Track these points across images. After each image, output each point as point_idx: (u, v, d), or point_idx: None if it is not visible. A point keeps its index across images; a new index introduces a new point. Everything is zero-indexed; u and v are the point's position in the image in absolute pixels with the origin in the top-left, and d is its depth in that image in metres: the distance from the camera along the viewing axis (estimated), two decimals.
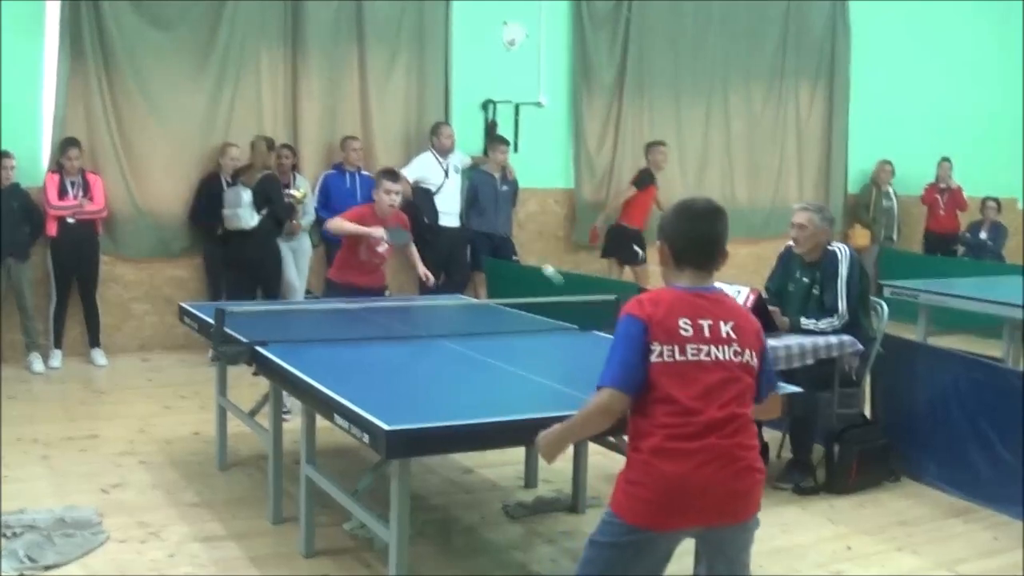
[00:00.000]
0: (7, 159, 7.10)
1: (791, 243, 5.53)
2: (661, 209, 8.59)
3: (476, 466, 5.26)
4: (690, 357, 2.52)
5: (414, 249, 6.42)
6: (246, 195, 7.61)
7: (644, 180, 9.11)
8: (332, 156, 8.47)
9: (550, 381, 3.90)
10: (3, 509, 4.29)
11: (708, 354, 2.53)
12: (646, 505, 2.52)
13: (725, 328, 2.57)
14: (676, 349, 2.52)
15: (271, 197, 7.68)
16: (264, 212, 7.66)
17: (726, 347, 2.56)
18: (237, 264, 7.77)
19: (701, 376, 2.52)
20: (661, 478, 2.50)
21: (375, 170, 8.52)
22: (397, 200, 6.08)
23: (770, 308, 5.12)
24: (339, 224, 6.03)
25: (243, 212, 7.58)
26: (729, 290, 5.12)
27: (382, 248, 6.00)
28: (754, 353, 2.61)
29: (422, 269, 6.32)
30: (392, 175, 6.23)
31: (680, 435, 2.49)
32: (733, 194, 10.46)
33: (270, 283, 7.80)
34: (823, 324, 5.10)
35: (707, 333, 2.55)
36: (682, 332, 2.53)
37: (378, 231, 5.91)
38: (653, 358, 2.52)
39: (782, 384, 3.99)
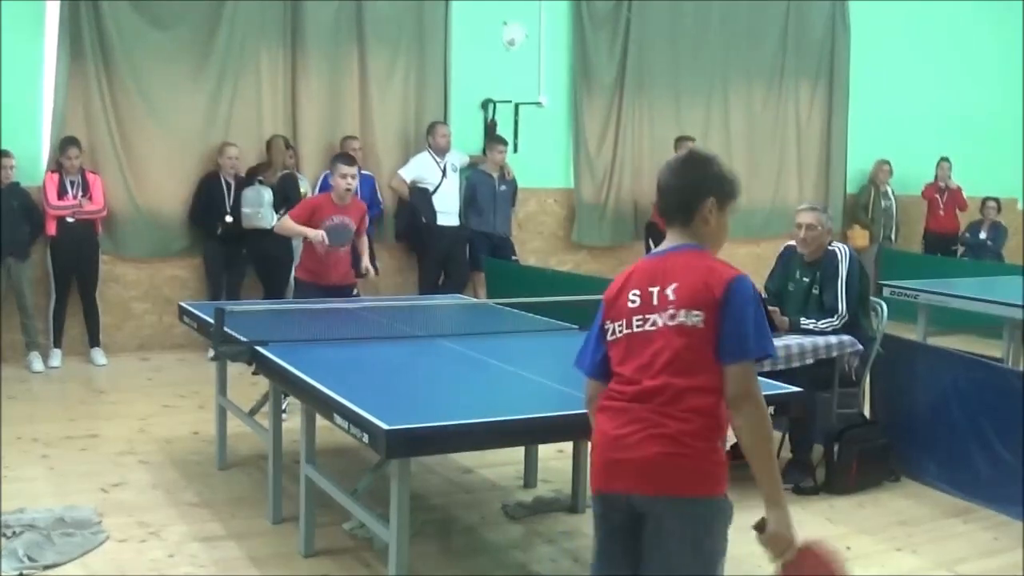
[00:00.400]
0: (7, 158, 7.10)
1: (791, 243, 5.53)
2: None
3: (476, 466, 5.26)
4: (635, 329, 2.43)
5: (365, 241, 6.38)
6: (267, 194, 7.67)
7: None
8: (332, 156, 8.45)
9: (549, 381, 3.90)
10: (3, 509, 4.29)
11: (654, 323, 2.40)
12: (593, 470, 2.52)
13: (668, 291, 2.41)
14: (624, 323, 2.45)
15: (289, 196, 7.75)
16: (283, 211, 7.71)
17: (663, 312, 2.40)
18: (252, 261, 7.94)
19: (646, 347, 2.41)
20: (596, 440, 2.50)
21: (375, 169, 8.58)
22: (353, 184, 6.03)
23: (769, 308, 5.12)
24: (284, 225, 6.09)
25: (265, 211, 7.65)
26: None
27: (321, 250, 5.96)
28: (698, 312, 2.36)
29: (365, 262, 6.32)
30: (346, 159, 6.19)
31: (615, 400, 2.45)
32: None
33: (279, 281, 7.86)
34: (823, 324, 5.10)
35: (655, 300, 2.42)
36: (629, 305, 2.44)
37: (317, 235, 5.89)
38: (608, 337, 2.49)
39: (781, 385, 3.99)
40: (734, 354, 2.35)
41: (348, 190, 6.00)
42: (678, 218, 2.52)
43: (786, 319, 5.14)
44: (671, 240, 2.52)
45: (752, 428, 2.39)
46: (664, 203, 2.59)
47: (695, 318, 2.36)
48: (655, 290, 2.42)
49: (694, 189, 2.55)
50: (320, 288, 6.00)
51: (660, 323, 2.39)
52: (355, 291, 6.42)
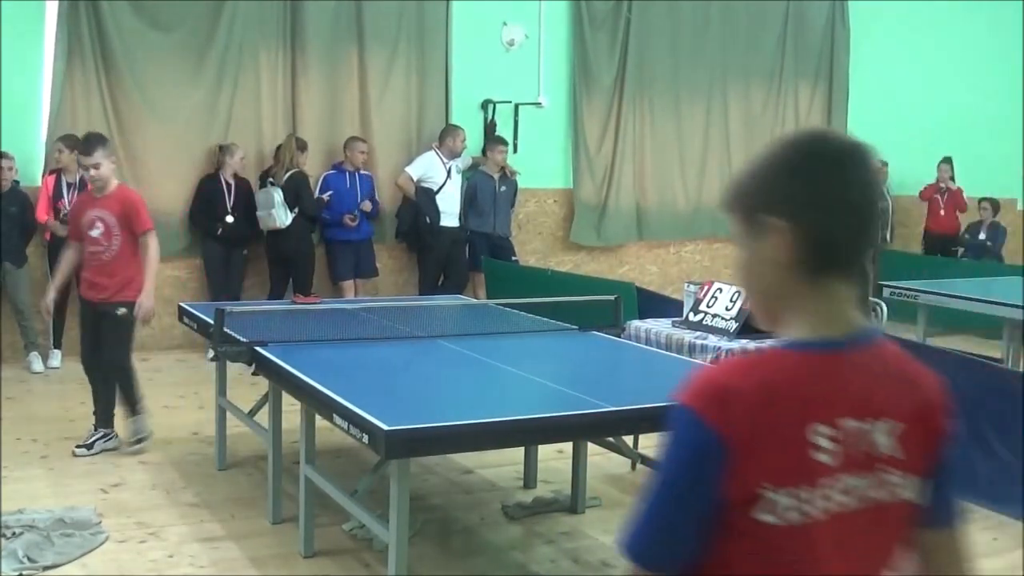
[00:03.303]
0: (6, 160, 7.09)
1: None
2: None
3: (475, 466, 5.26)
4: (834, 506, 1.34)
5: (152, 255, 5.24)
6: (278, 195, 7.70)
7: None
8: (332, 156, 8.47)
9: (549, 381, 3.89)
10: (3, 509, 4.28)
11: (862, 497, 1.36)
12: None
13: (885, 437, 1.37)
14: (810, 497, 1.32)
15: (300, 194, 7.80)
16: (296, 211, 7.79)
17: (885, 474, 1.38)
18: (274, 260, 8.02)
19: (854, 542, 1.38)
20: None
21: (374, 170, 8.58)
22: (97, 174, 5.13)
23: None
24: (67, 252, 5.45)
25: (277, 212, 7.69)
26: (728, 291, 5.14)
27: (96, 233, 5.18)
28: (926, 478, 1.43)
29: (143, 297, 5.19)
30: (82, 143, 5.34)
31: None
32: None
33: (303, 278, 7.93)
34: None
35: (864, 448, 1.36)
36: (817, 456, 1.32)
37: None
38: (757, 513, 1.31)
39: None
40: (950, 518, 1.51)
41: (93, 180, 5.18)
42: (857, 265, 1.41)
43: None
44: (838, 308, 1.39)
45: None
46: (870, 237, 1.40)
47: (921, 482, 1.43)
48: (862, 428, 1.36)
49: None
50: (86, 302, 5.33)
51: (881, 496, 1.38)
52: (119, 311, 5.16)
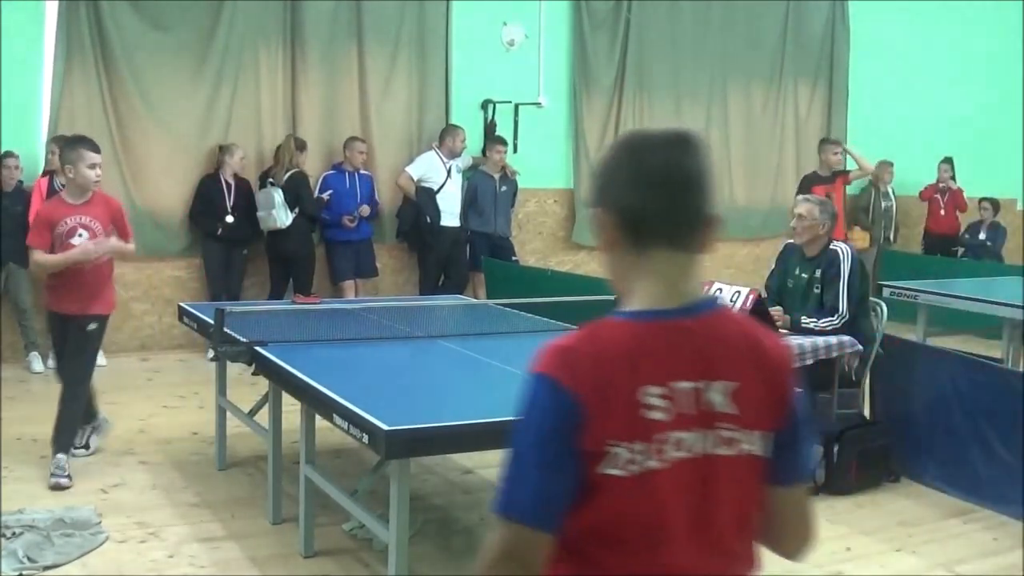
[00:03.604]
0: (11, 159, 7.09)
1: (790, 240, 5.56)
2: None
3: (476, 466, 5.26)
4: (670, 458, 1.48)
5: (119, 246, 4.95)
6: (278, 196, 7.71)
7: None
8: (332, 156, 8.47)
9: None
10: (3, 509, 4.28)
11: (702, 450, 1.50)
12: None
13: (721, 396, 1.51)
14: (645, 450, 1.46)
15: (301, 194, 7.82)
16: (296, 211, 7.81)
17: (724, 430, 1.52)
18: (274, 260, 8.03)
19: (704, 492, 1.52)
20: None
21: (374, 170, 8.58)
22: (100, 174, 4.88)
23: (771, 310, 5.13)
24: (37, 262, 4.86)
25: (277, 212, 7.70)
26: (728, 291, 5.13)
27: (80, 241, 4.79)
28: (767, 433, 1.56)
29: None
30: (87, 141, 4.94)
31: None
32: (732, 194, 10.46)
33: (303, 278, 7.95)
34: (823, 323, 5.11)
35: (698, 406, 1.50)
36: (649, 414, 1.46)
37: (83, 251, 4.76)
38: (603, 468, 1.44)
39: None
40: (797, 474, 1.67)
41: (98, 180, 4.88)
42: (702, 238, 1.58)
43: (787, 317, 5.15)
44: (672, 276, 1.56)
45: None
46: (691, 208, 1.54)
47: (766, 441, 1.57)
48: (688, 388, 1.50)
49: (714, 184, 1.58)
50: (59, 316, 4.96)
51: (710, 449, 1.52)
52: (90, 326, 4.90)
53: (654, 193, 1.50)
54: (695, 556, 1.49)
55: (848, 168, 9.67)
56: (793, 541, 1.64)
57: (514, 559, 1.45)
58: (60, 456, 4.89)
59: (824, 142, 9.21)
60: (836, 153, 8.97)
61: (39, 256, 4.79)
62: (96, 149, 4.84)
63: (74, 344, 4.93)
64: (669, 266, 1.53)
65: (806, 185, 8.88)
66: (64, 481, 4.79)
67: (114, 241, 4.85)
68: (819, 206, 5.32)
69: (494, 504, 1.47)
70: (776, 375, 1.56)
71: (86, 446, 5.29)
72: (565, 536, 1.46)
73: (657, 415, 1.45)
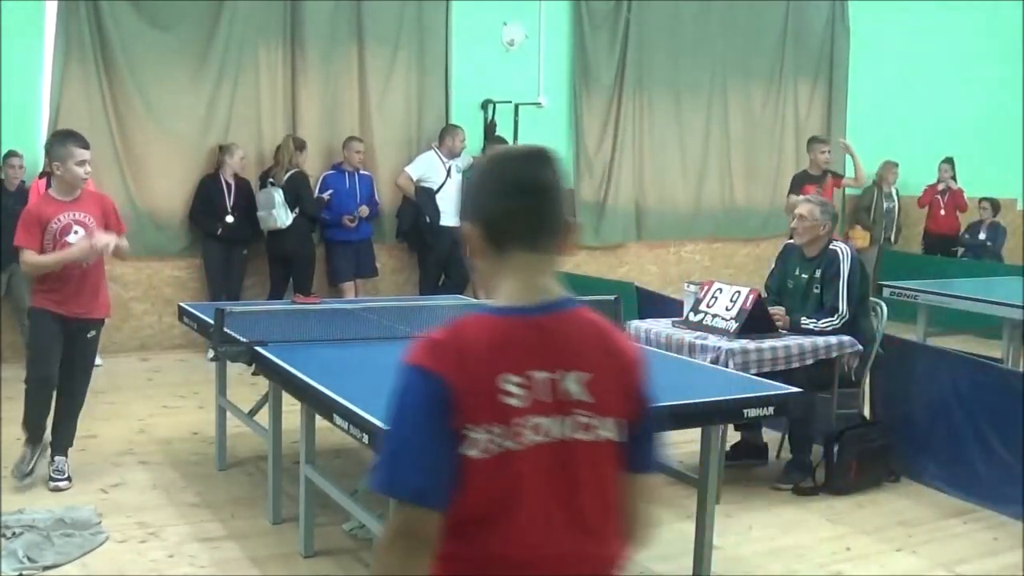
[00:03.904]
0: (16, 158, 7.08)
1: (790, 240, 5.56)
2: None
3: None
4: (528, 441, 1.62)
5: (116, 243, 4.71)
6: (278, 196, 7.72)
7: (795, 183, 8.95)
8: (332, 156, 8.47)
9: None
10: (3, 509, 4.28)
11: (559, 434, 1.64)
12: None
13: (576, 385, 1.66)
14: (503, 433, 1.60)
15: (301, 194, 7.83)
16: (296, 211, 7.82)
17: (580, 416, 1.66)
18: (275, 260, 8.02)
19: (563, 472, 1.66)
20: None
21: (374, 170, 8.58)
22: (88, 172, 4.68)
23: (771, 310, 5.13)
24: (28, 263, 4.62)
25: (277, 212, 7.71)
26: (728, 291, 5.14)
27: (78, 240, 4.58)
28: (620, 420, 1.71)
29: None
30: (76, 137, 4.71)
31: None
32: (732, 194, 10.47)
33: (303, 278, 7.96)
34: (823, 323, 5.11)
35: (554, 394, 1.64)
36: (507, 400, 1.60)
37: (80, 250, 4.54)
38: (465, 449, 1.59)
39: (781, 385, 4.00)
40: (648, 464, 1.84)
41: (87, 177, 4.70)
42: (557, 241, 1.73)
43: (787, 318, 5.15)
44: (529, 276, 1.70)
45: None
46: (544, 215, 1.70)
47: (622, 429, 1.72)
48: (543, 377, 1.65)
49: (565, 194, 1.74)
50: (59, 319, 4.68)
51: (564, 433, 1.66)
52: (90, 333, 4.83)
53: (512, 202, 1.66)
54: (562, 534, 1.62)
55: (842, 173, 9.62)
56: (634, 527, 1.77)
57: (409, 537, 1.58)
58: (59, 459, 4.86)
59: (813, 140, 9.14)
60: (824, 152, 8.91)
61: (31, 256, 4.55)
62: (85, 145, 4.64)
63: (77, 350, 4.79)
64: (528, 267, 1.68)
65: (797, 183, 8.84)
66: (64, 484, 4.76)
67: (114, 235, 4.69)
68: (820, 207, 5.32)
69: (372, 482, 1.62)
70: (626, 370, 1.71)
71: (30, 473, 4.80)
72: (454, 517, 1.59)
73: (514, 401, 1.59)
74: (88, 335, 4.81)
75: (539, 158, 1.70)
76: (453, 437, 1.57)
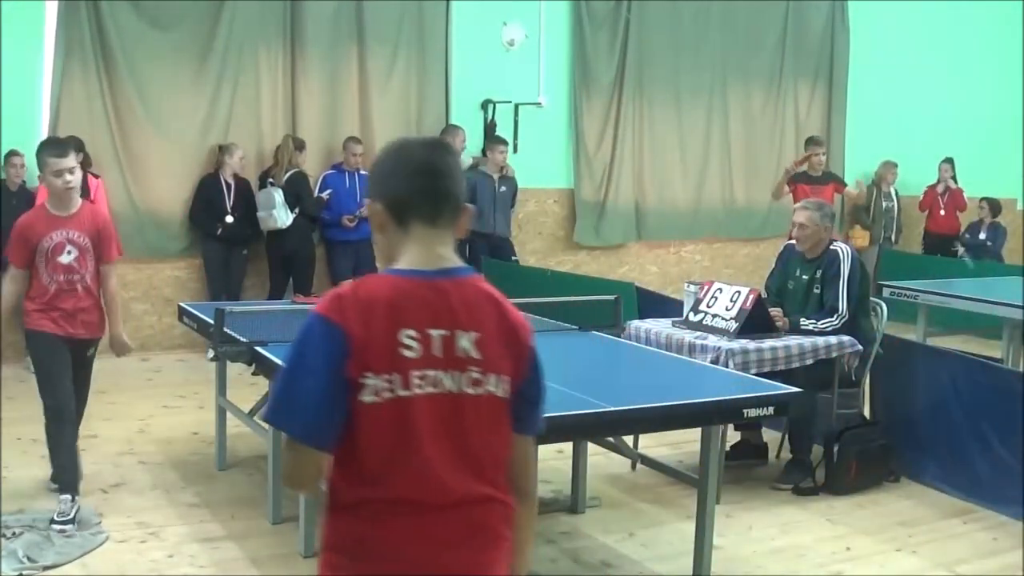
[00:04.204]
0: (17, 157, 7.08)
1: (791, 241, 5.55)
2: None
3: None
4: (421, 391, 1.77)
5: (111, 282, 4.56)
6: (278, 196, 7.74)
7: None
8: (332, 156, 8.47)
9: (549, 381, 3.86)
10: (3, 509, 4.28)
11: (450, 385, 1.80)
12: None
13: (467, 342, 1.81)
14: (398, 381, 1.76)
15: (301, 194, 7.83)
16: (296, 211, 7.83)
17: (471, 371, 1.81)
18: (275, 260, 8.02)
19: (453, 420, 1.81)
20: None
21: None
22: (73, 180, 4.27)
23: (771, 310, 5.13)
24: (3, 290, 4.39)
25: (278, 213, 7.73)
26: (728, 291, 5.14)
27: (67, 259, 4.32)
28: (506, 378, 1.86)
29: (117, 328, 4.67)
30: (52, 146, 4.36)
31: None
32: (732, 194, 10.47)
33: (303, 278, 7.97)
34: (823, 324, 5.10)
35: (447, 350, 1.80)
36: (404, 353, 1.76)
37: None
38: (363, 396, 1.74)
39: (781, 385, 3.99)
40: (533, 424, 1.98)
41: (69, 188, 4.27)
42: (451, 217, 1.89)
43: (786, 320, 5.15)
44: (426, 246, 1.86)
45: None
46: (439, 193, 1.88)
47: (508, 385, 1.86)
48: (438, 334, 1.80)
49: (460, 182, 1.95)
50: (61, 339, 4.39)
51: (455, 387, 1.81)
52: (89, 352, 4.58)
53: (414, 181, 1.85)
54: (452, 473, 1.77)
55: (843, 180, 9.62)
56: (520, 486, 1.92)
57: (299, 470, 1.79)
58: (66, 498, 4.28)
59: (809, 142, 9.14)
60: (819, 154, 8.92)
61: (7, 278, 4.37)
62: (60, 153, 4.21)
63: (79, 372, 4.51)
64: (427, 239, 1.85)
65: (794, 181, 8.85)
66: (70, 528, 4.16)
67: (122, 331, 4.65)
68: (818, 212, 5.31)
69: (268, 414, 1.80)
70: (514, 334, 1.87)
71: (73, 520, 4.25)
72: (345, 456, 1.76)
73: (410, 353, 1.75)
74: (88, 353, 4.58)
75: (439, 146, 1.94)
76: (348, 385, 1.72)
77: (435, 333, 1.78)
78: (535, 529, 2.05)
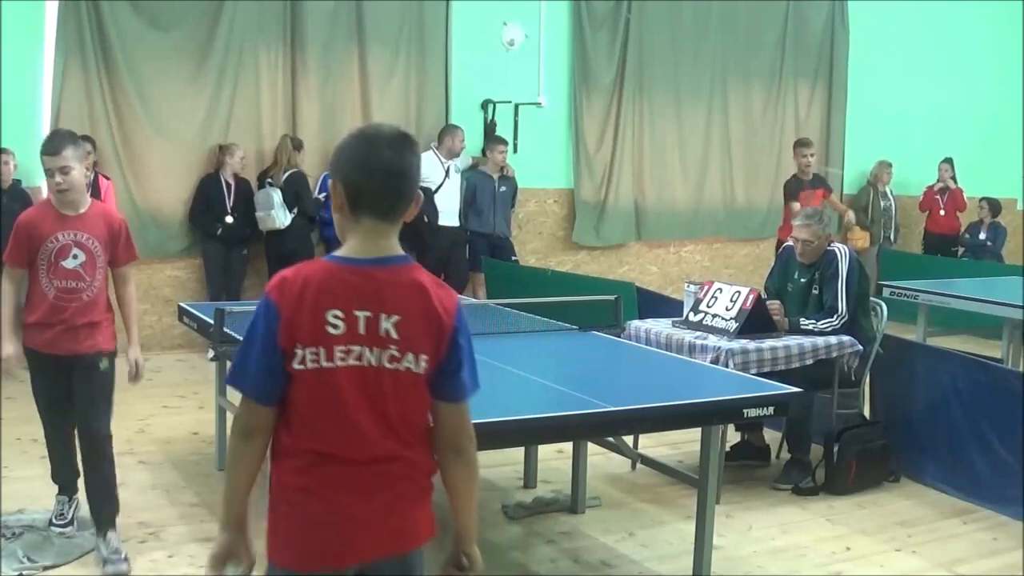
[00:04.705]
0: (4, 154, 7.07)
1: (790, 242, 5.55)
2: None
3: None
4: (344, 363, 2.04)
5: (130, 290, 4.15)
6: (276, 196, 7.74)
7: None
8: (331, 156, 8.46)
9: (549, 381, 3.89)
10: (3, 509, 4.28)
11: (371, 360, 2.05)
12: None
13: (388, 324, 2.06)
14: (324, 353, 2.03)
15: (300, 194, 7.83)
16: (295, 211, 7.83)
17: (390, 349, 2.06)
18: (273, 260, 7.98)
19: (372, 391, 2.07)
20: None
21: None
22: (66, 182, 3.80)
23: (769, 303, 5.13)
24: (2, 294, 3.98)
25: (276, 213, 7.73)
26: (728, 291, 5.14)
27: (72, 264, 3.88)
28: (424, 356, 2.09)
29: (134, 353, 4.20)
30: (45, 143, 3.86)
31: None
32: (732, 194, 10.47)
33: None
34: (822, 324, 5.11)
35: (370, 329, 2.05)
36: (330, 330, 2.02)
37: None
38: (294, 364, 2.03)
39: (781, 385, 3.99)
40: (460, 393, 2.22)
41: (61, 191, 3.81)
42: (398, 210, 2.10)
43: (786, 320, 5.14)
44: (370, 237, 2.08)
45: None
46: (391, 188, 2.07)
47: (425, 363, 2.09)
48: (362, 315, 2.05)
49: (415, 178, 2.13)
50: (50, 359, 4.00)
51: (375, 361, 2.06)
52: (102, 364, 4.05)
53: (372, 178, 2.04)
54: (369, 434, 2.04)
55: (830, 186, 9.51)
56: (456, 448, 2.18)
57: (246, 424, 2.12)
58: (112, 536, 3.98)
59: (798, 144, 8.91)
60: (807, 156, 8.76)
61: (7, 280, 3.97)
62: (52, 150, 3.77)
63: (91, 391, 4.02)
64: (374, 231, 2.07)
65: (792, 190, 8.62)
66: (124, 567, 3.86)
67: (137, 349, 4.15)
68: (819, 224, 5.31)
69: (228, 378, 2.13)
70: (437, 319, 2.07)
71: (71, 523, 4.22)
72: (286, 412, 2.07)
73: (334, 331, 2.02)
74: (99, 367, 4.04)
75: (403, 145, 2.08)
76: (284, 353, 2.02)
77: (361, 314, 2.03)
78: (476, 485, 2.27)
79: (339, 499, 2.06)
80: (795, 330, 5.11)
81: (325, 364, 2.02)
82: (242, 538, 2.24)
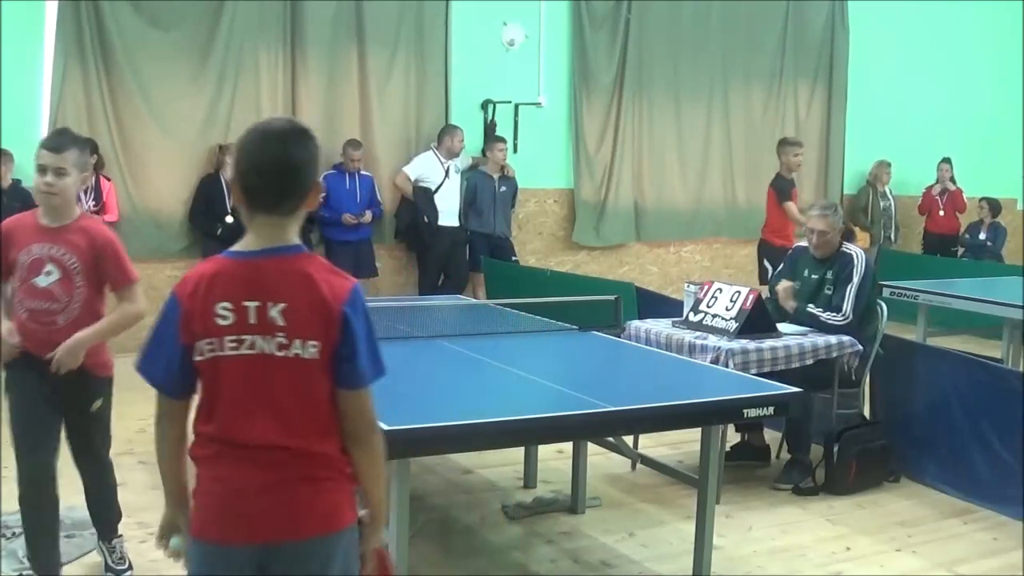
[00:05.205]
0: (4, 156, 7.07)
1: (802, 243, 5.54)
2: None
3: (475, 466, 5.26)
4: (235, 352, 2.12)
5: (120, 313, 3.81)
6: None
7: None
8: (332, 156, 8.46)
9: (549, 381, 3.89)
10: (3, 509, 4.28)
11: (261, 348, 2.13)
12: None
13: (276, 313, 2.12)
14: (217, 344, 2.12)
15: None
16: None
17: (279, 337, 2.13)
18: None
19: (263, 377, 2.15)
20: None
21: (375, 170, 8.58)
22: (57, 185, 3.38)
23: (778, 287, 5.16)
24: None
25: None
26: (728, 291, 5.14)
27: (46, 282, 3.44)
28: (313, 342, 2.13)
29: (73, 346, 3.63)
30: (45, 138, 3.55)
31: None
32: (733, 195, 10.47)
33: None
34: (827, 316, 5.13)
35: (258, 319, 2.12)
36: (220, 321, 2.11)
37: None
38: (194, 355, 2.14)
39: (781, 385, 3.99)
40: (357, 380, 2.23)
41: (49, 192, 3.38)
42: (290, 204, 2.15)
43: (792, 302, 5.18)
44: (264, 232, 2.15)
45: None
46: (279, 183, 2.12)
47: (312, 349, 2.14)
48: (252, 306, 2.12)
49: (311, 170, 2.18)
50: (31, 360, 3.54)
51: (267, 349, 2.13)
52: (94, 406, 3.93)
53: (261, 176, 2.11)
54: (261, 421, 2.11)
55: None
56: (355, 436, 2.21)
57: (160, 411, 2.24)
58: (116, 542, 3.95)
59: (785, 143, 8.66)
60: (797, 155, 8.66)
61: None
62: (53, 146, 3.42)
63: (79, 422, 3.84)
64: (267, 225, 2.14)
65: (785, 190, 8.51)
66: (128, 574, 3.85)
67: (84, 334, 3.59)
68: (835, 215, 5.31)
69: (136, 366, 2.22)
70: (323, 304, 2.12)
71: (125, 560, 4.00)
72: (200, 400, 2.19)
73: (223, 322, 2.11)
74: (90, 406, 3.84)
75: (293, 138, 2.14)
76: (187, 348, 2.13)
77: (250, 304, 2.11)
78: (382, 472, 2.31)
79: (234, 482, 2.15)
80: (801, 314, 5.13)
81: (219, 354, 2.12)
82: (182, 513, 2.28)
